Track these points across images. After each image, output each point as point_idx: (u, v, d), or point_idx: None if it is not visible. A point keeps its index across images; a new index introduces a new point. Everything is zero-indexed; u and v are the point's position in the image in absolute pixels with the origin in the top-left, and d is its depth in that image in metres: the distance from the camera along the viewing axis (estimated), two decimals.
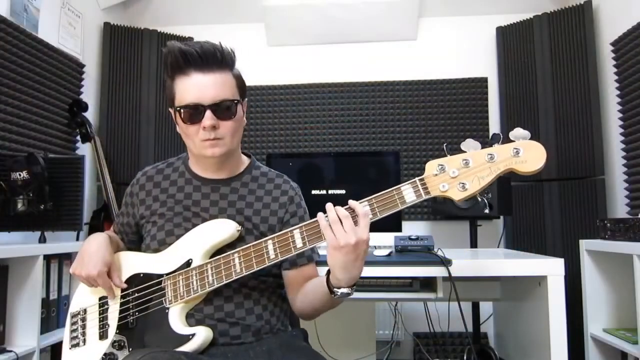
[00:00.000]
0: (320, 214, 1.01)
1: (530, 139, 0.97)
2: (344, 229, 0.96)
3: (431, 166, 0.99)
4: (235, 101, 1.11)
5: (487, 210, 1.03)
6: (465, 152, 0.99)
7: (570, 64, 2.71)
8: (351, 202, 1.00)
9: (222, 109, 1.09)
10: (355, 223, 0.97)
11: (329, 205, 1.00)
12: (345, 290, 1.03)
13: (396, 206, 0.99)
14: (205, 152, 1.11)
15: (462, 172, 0.97)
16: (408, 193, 0.99)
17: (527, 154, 0.95)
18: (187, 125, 1.10)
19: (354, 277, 1.02)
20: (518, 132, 0.97)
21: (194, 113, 1.08)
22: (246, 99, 1.20)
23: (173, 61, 1.08)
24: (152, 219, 1.19)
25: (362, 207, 0.99)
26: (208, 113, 1.07)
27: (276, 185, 1.22)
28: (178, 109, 1.09)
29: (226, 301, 1.10)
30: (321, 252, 1.25)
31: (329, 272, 1.06)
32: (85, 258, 1.12)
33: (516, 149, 0.96)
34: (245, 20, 3.19)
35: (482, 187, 0.97)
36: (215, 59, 1.08)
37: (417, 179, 1.00)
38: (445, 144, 1.03)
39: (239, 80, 1.15)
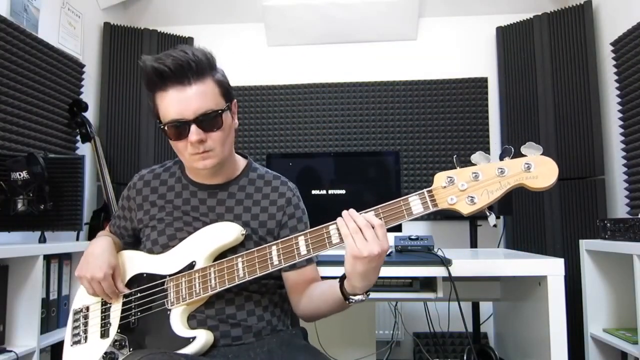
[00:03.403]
0: (340, 221, 0.98)
1: (531, 141, 0.94)
2: (365, 238, 0.94)
3: (440, 178, 0.96)
4: (220, 110, 1.06)
5: (493, 224, 1.01)
6: (475, 164, 0.96)
7: (570, 64, 2.71)
8: (365, 215, 0.97)
9: (207, 121, 1.04)
10: None
11: (345, 214, 0.97)
12: (360, 297, 1.02)
13: (403, 217, 0.97)
14: (196, 165, 1.09)
15: (472, 185, 0.94)
16: (415, 205, 0.97)
17: (538, 170, 0.92)
18: (175, 142, 1.07)
19: (371, 284, 1.00)
20: (530, 147, 0.94)
21: (179, 129, 1.04)
22: (234, 100, 1.14)
23: (149, 79, 1.05)
24: (151, 223, 1.18)
25: (376, 218, 0.96)
26: (193, 128, 1.03)
27: (273, 188, 1.21)
28: (163, 126, 1.06)
29: (227, 304, 1.10)
30: (322, 252, 1.24)
31: (341, 278, 1.04)
32: (91, 260, 1.12)
33: (527, 163, 0.92)
34: (245, 20, 3.19)
35: (491, 202, 0.93)
36: (191, 70, 1.02)
37: (425, 190, 0.97)
38: (455, 156, 1.00)
39: (222, 84, 1.08)
